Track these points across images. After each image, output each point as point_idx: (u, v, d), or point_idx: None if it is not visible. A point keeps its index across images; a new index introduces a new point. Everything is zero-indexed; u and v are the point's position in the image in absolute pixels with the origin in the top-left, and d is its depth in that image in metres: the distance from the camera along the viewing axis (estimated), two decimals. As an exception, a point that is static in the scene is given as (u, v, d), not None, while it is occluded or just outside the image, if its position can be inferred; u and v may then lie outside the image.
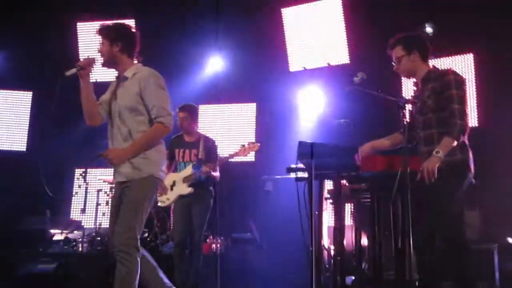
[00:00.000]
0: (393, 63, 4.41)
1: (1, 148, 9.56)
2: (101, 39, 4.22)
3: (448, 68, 4.53)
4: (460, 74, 4.30)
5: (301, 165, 4.31)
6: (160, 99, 4.10)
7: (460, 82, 4.20)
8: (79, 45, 9.72)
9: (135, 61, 4.29)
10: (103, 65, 4.27)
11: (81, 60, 4.25)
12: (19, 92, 9.71)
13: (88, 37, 9.71)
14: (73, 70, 4.04)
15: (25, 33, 9.35)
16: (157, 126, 4.10)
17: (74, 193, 9.57)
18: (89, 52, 9.68)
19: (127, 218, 4.01)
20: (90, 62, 4.14)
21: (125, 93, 4.17)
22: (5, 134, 9.61)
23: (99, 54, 4.24)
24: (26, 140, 9.66)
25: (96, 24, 9.40)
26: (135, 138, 4.12)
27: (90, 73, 4.15)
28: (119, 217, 4.06)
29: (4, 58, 9.59)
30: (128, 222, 3.99)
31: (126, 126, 4.15)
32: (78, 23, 9.73)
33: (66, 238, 8.36)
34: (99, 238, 8.05)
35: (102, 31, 4.25)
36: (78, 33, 9.73)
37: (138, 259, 3.98)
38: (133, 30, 4.33)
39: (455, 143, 4.06)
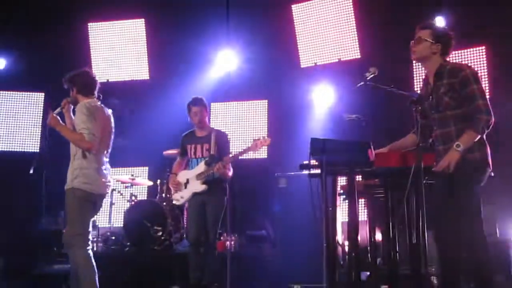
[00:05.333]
0: (412, 42, 4.33)
1: (15, 149, 9.58)
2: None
3: (462, 62, 4.51)
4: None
5: (313, 162, 4.30)
6: (83, 123, 4.83)
7: (477, 76, 4.17)
8: (90, 46, 9.76)
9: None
10: None
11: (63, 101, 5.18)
12: (32, 93, 9.71)
13: (99, 37, 9.78)
14: (58, 109, 5.13)
15: (36, 34, 9.38)
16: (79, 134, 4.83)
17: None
18: (100, 52, 9.76)
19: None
20: (65, 102, 5.15)
21: None
22: (18, 135, 9.62)
23: None
24: (39, 141, 9.68)
25: (107, 25, 9.63)
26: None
27: (69, 110, 5.18)
28: None
29: (16, 60, 9.61)
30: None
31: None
32: (89, 24, 9.76)
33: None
34: (113, 238, 8.08)
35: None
36: (90, 34, 9.77)
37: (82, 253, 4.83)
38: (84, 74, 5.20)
39: (478, 137, 4.03)
